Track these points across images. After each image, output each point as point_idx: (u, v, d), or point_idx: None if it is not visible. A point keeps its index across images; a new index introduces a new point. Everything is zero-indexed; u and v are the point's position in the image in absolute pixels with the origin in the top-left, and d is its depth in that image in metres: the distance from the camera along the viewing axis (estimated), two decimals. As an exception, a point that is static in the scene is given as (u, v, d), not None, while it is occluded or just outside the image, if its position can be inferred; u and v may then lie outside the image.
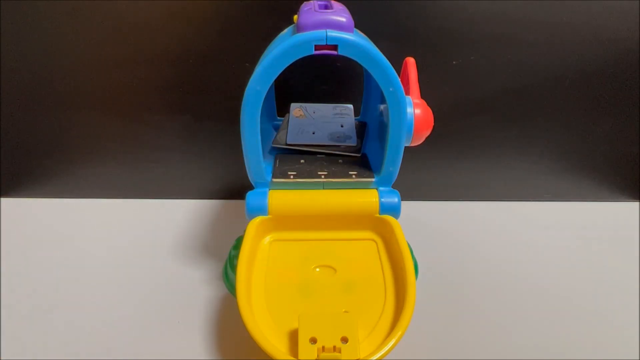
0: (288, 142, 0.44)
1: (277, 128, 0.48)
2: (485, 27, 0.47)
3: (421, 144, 0.39)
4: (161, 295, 0.42)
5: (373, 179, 0.40)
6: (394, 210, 0.40)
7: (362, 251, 0.39)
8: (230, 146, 0.52)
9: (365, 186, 0.40)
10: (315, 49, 0.34)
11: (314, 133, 0.45)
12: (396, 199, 0.40)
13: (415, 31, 0.47)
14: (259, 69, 0.35)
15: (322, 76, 0.50)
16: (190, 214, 0.53)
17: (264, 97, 0.35)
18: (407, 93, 0.39)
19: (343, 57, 0.34)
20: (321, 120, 0.47)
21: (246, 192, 0.39)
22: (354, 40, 0.34)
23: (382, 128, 0.42)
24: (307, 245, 0.39)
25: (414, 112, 0.37)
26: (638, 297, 0.43)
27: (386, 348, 0.31)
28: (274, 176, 0.40)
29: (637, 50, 0.48)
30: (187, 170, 0.54)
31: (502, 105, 0.51)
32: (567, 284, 0.44)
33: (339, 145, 0.44)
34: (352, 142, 0.44)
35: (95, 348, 0.38)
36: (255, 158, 0.38)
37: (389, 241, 0.39)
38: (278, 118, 0.49)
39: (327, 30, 0.34)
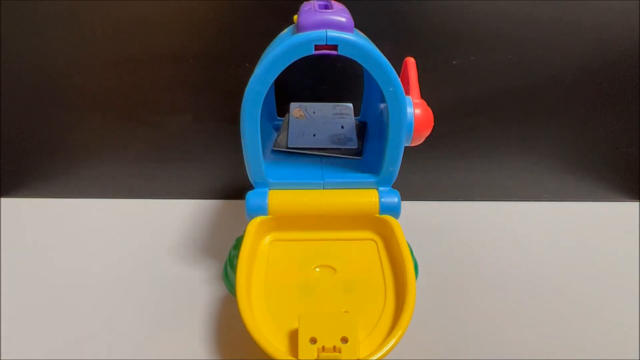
0: (289, 146, 0.44)
1: (277, 128, 0.48)
2: (485, 27, 0.47)
3: (421, 144, 0.39)
4: (161, 295, 0.42)
5: (373, 179, 0.40)
6: (394, 210, 0.40)
7: (362, 251, 0.39)
8: (230, 146, 0.52)
9: (365, 186, 0.40)
10: (315, 49, 0.34)
11: (314, 135, 0.45)
12: (396, 199, 0.40)
13: (415, 31, 0.47)
14: (259, 69, 0.35)
15: (322, 76, 0.50)
16: (190, 214, 0.53)
17: (264, 97, 0.35)
18: (407, 93, 0.39)
19: (343, 57, 0.34)
20: (321, 120, 0.47)
21: (246, 192, 0.39)
22: (354, 40, 0.34)
23: (383, 128, 0.42)
24: (307, 245, 0.39)
25: (414, 112, 0.37)
26: (638, 297, 0.43)
27: (386, 348, 0.31)
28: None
29: (637, 50, 0.48)
30: (187, 170, 0.54)
31: (502, 105, 0.51)
32: (567, 284, 0.44)
33: (339, 148, 0.44)
34: (353, 145, 0.44)
35: (96, 348, 0.38)
36: (255, 158, 0.38)
37: (389, 241, 0.39)
38: (278, 118, 0.49)
39: (327, 30, 0.34)
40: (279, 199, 0.39)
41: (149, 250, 0.47)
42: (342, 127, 0.46)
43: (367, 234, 0.40)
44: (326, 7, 0.36)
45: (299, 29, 0.34)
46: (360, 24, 0.37)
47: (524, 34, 0.47)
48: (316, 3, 0.37)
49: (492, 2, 0.46)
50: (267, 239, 0.40)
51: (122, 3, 0.45)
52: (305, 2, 0.38)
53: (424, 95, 0.40)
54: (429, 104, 0.39)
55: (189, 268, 0.45)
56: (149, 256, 0.47)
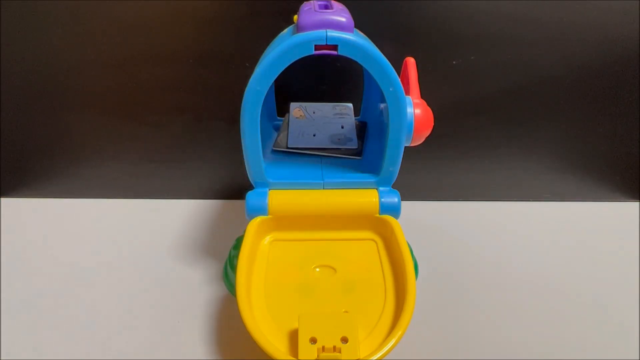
0: (289, 146, 0.44)
1: (277, 128, 0.48)
2: (485, 27, 0.47)
3: (421, 144, 0.39)
4: (161, 296, 0.42)
5: (373, 179, 0.40)
6: (394, 210, 0.40)
7: (362, 251, 0.39)
8: (230, 146, 0.52)
9: (365, 186, 0.40)
10: (315, 49, 0.34)
11: (314, 135, 0.45)
12: (396, 199, 0.40)
13: (415, 31, 0.47)
14: (259, 69, 0.35)
15: (322, 76, 0.50)
16: (190, 214, 0.53)
17: (264, 97, 0.35)
18: (407, 93, 0.39)
19: (343, 57, 0.34)
20: (321, 120, 0.47)
21: (246, 192, 0.39)
22: (354, 40, 0.34)
23: (383, 128, 0.42)
24: (307, 245, 0.39)
25: (414, 112, 0.37)
26: (638, 297, 0.43)
27: (386, 348, 0.31)
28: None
29: (637, 50, 0.48)
30: (187, 170, 0.54)
31: (502, 105, 0.51)
32: (567, 284, 0.44)
33: (339, 148, 0.44)
34: (353, 145, 0.44)
35: (95, 348, 0.38)
36: (255, 158, 0.38)
37: (389, 241, 0.39)
38: (278, 118, 0.49)
39: (327, 30, 0.34)
40: (279, 199, 0.39)
41: (149, 250, 0.47)
42: (342, 127, 0.46)
43: (367, 234, 0.40)
44: (326, 7, 0.36)
45: (299, 29, 0.34)
46: (360, 24, 0.37)
47: (524, 34, 0.47)
48: (316, 3, 0.37)
49: (492, 2, 0.46)
50: (267, 239, 0.40)
51: (122, 3, 0.45)
52: (305, 2, 0.38)
53: (424, 95, 0.40)
54: (429, 104, 0.39)
55: (189, 268, 0.45)
56: (149, 256, 0.47)
